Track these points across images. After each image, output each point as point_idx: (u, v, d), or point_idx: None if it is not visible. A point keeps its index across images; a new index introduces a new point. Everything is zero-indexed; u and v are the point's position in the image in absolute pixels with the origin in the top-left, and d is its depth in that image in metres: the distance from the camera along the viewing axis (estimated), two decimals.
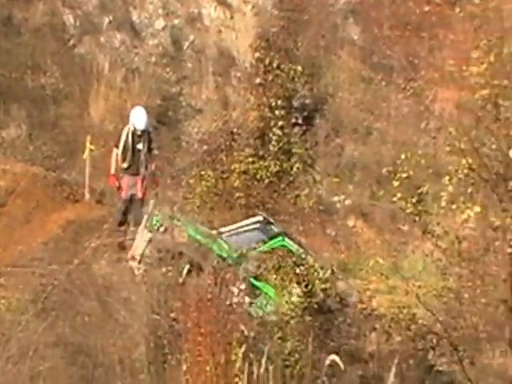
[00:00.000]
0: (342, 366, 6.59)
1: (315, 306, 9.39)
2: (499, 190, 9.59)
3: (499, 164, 9.61)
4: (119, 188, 11.51)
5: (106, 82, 16.67)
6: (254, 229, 11.17)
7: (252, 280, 10.18)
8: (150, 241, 10.60)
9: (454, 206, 9.72)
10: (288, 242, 10.84)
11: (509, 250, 9.34)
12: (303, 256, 10.47)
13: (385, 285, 10.83)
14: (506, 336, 9.29)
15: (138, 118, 11.70)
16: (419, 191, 9.89)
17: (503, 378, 9.34)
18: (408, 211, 9.86)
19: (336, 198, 15.55)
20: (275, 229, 11.30)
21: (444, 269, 9.89)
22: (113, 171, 11.62)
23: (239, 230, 11.14)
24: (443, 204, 9.81)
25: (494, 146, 9.68)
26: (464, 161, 9.65)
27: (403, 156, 9.90)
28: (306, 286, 9.51)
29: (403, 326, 9.51)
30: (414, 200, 9.80)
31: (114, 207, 11.87)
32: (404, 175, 9.83)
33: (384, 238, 13.82)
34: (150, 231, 10.69)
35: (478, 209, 9.55)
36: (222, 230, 11.22)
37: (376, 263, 10.64)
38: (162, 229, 10.79)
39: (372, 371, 9.13)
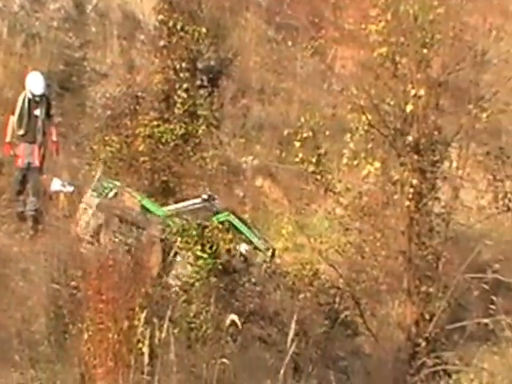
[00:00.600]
0: (240, 325, 6.64)
1: (220, 267, 9.42)
2: (397, 144, 9.81)
3: (397, 119, 9.81)
4: (16, 156, 11.22)
5: (5, 47, 16.11)
6: (200, 207, 11.19)
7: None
8: (97, 206, 10.46)
9: (355, 163, 9.89)
10: (233, 218, 10.89)
11: (406, 203, 9.60)
12: (247, 233, 10.59)
13: (292, 243, 10.97)
14: (404, 286, 9.58)
15: (34, 84, 11.36)
16: (321, 150, 10.01)
17: (402, 328, 9.62)
18: (310, 170, 9.99)
19: (243, 159, 15.55)
20: (219, 206, 11.34)
21: (346, 224, 10.10)
22: (8, 139, 11.26)
23: (184, 208, 11.14)
24: (345, 161, 9.98)
25: (392, 103, 9.87)
26: (364, 117, 9.81)
27: (303, 119, 9.99)
28: (211, 247, 9.52)
29: (307, 283, 9.67)
30: (314, 159, 9.92)
31: (13, 177, 11.54)
32: (305, 135, 9.94)
33: (290, 197, 13.94)
34: (98, 197, 10.55)
35: (377, 164, 9.76)
36: (166, 208, 11.18)
37: (283, 222, 10.77)
38: (111, 194, 10.68)
39: (277, 328, 9.25)
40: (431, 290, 9.71)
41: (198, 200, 11.35)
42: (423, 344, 9.63)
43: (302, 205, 12.88)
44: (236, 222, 10.87)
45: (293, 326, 6.65)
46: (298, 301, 9.31)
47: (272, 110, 16.39)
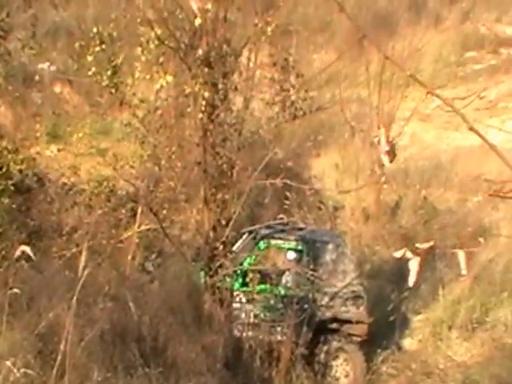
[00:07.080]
0: (32, 256, 6.67)
1: (12, 187, 9.26)
2: (188, 58, 9.91)
3: (187, 33, 9.88)
4: None
5: None
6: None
7: None
8: None
9: (147, 76, 9.93)
10: (272, 242, 10.63)
11: (200, 115, 9.83)
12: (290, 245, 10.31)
13: (95, 149, 10.92)
14: (201, 195, 9.93)
15: None
16: (114, 63, 9.94)
17: (200, 233, 10.02)
18: (104, 84, 9.92)
19: (40, 66, 15.07)
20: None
21: (142, 137, 10.23)
22: None
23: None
24: (137, 75, 9.99)
25: (181, 16, 9.90)
26: (154, 31, 9.79)
27: (95, 29, 9.82)
28: (1, 168, 9.31)
29: (104, 199, 9.78)
30: (109, 72, 9.85)
31: None
32: (97, 49, 9.81)
33: (91, 103, 13.78)
34: None
35: (170, 78, 9.84)
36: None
37: (85, 127, 10.70)
38: None
39: (74, 244, 9.31)
40: (227, 196, 10.10)
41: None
42: (220, 247, 10.08)
43: (103, 110, 12.79)
44: (277, 243, 10.67)
45: (85, 245, 6.79)
46: (95, 217, 9.42)
47: (66, 15, 15.87)
